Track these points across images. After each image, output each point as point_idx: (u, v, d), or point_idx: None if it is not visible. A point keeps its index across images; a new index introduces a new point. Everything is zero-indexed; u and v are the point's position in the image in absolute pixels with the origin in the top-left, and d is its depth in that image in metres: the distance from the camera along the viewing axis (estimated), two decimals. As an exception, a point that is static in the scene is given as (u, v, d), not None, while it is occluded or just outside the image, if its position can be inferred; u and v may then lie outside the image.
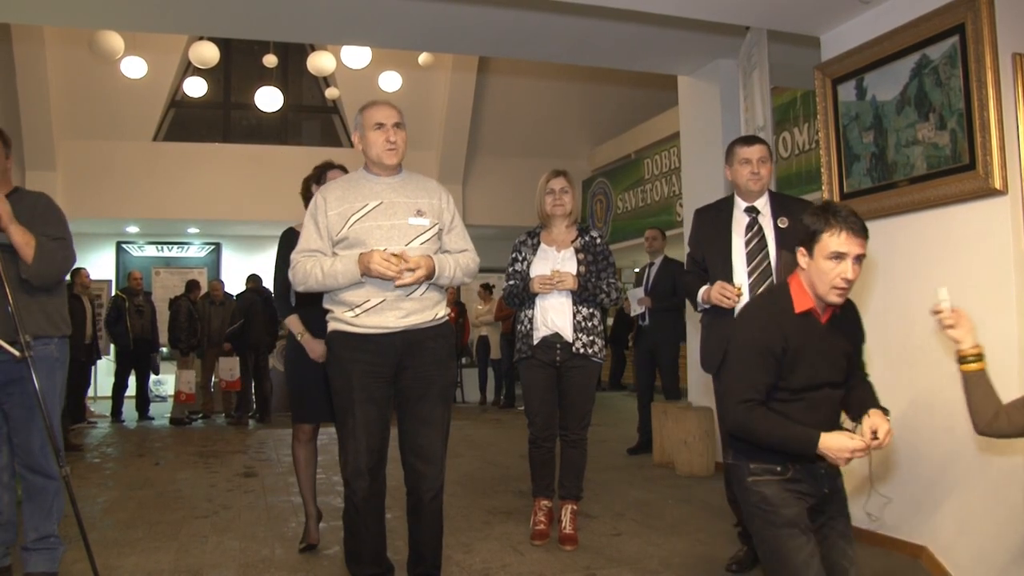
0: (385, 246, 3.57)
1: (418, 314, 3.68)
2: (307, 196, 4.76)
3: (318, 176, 4.74)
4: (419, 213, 3.72)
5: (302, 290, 3.74)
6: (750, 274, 4.18)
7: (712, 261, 4.36)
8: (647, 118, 14.64)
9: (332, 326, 3.75)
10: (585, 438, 5.01)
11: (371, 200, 3.69)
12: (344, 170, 4.68)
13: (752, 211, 4.28)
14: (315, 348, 4.45)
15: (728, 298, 4.15)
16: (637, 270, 8.86)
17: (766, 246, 4.18)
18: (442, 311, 3.80)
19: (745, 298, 4.15)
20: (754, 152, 4.26)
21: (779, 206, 4.27)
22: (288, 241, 4.61)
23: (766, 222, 4.23)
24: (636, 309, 8.29)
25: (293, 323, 4.58)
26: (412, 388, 3.72)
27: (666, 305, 8.17)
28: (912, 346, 4.53)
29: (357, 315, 3.63)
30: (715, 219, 4.41)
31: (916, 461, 4.52)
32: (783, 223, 4.18)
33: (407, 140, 3.84)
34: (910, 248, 4.58)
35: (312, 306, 4.35)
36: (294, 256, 3.74)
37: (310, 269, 3.64)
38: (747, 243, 4.23)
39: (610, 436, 9.47)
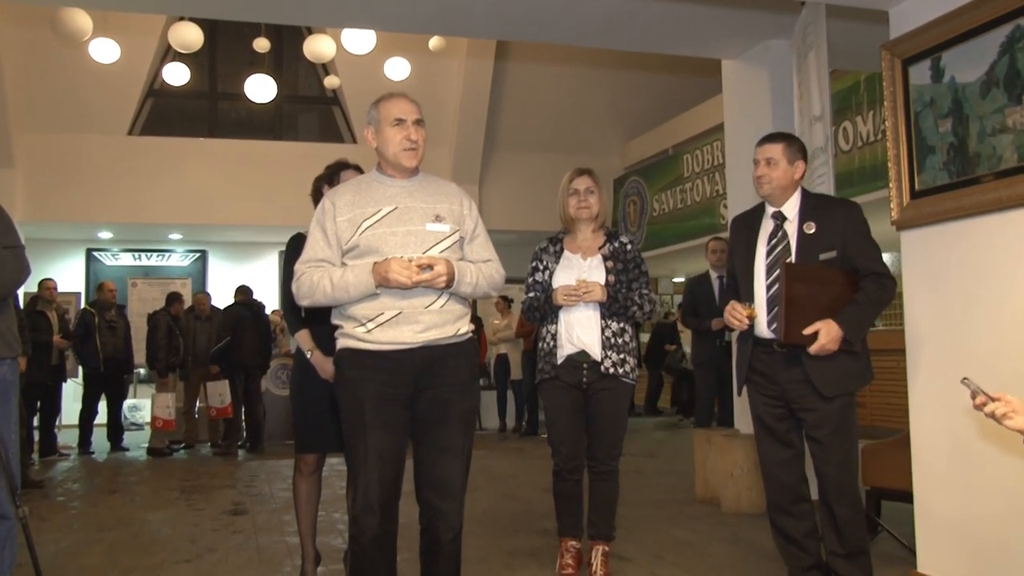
0: (400, 254, 3.55)
1: (438, 328, 3.64)
2: (318, 199, 4.74)
3: (330, 176, 4.75)
4: (437, 219, 3.70)
5: (307, 304, 3.74)
6: (769, 287, 4.21)
7: (740, 274, 4.42)
8: (686, 108, 14.63)
9: (342, 343, 3.72)
10: (616, 469, 4.97)
11: (385, 205, 3.68)
12: (360, 171, 4.68)
13: (778, 217, 4.31)
14: (326, 367, 4.43)
15: (738, 320, 4.21)
16: (679, 279, 8.85)
17: (789, 256, 4.19)
18: (465, 326, 3.77)
19: (762, 320, 4.19)
20: (761, 152, 4.33)
21: (810, 209, 4.27)
22: (297, 247, 4.57)
23: (792, 228, 4.25)
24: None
25: (303, 338, 4.59)
26: (430, 412, 3.68)
27: None
28: (1004, 370, 4.36)
29: (370, 330, 3.60)
30: (746, 228, 4.47)
31: (999, 499, 4.42)
32: (809, 228, 4.19)
33: (426, 139, 3.83)
34: (997, 254, 4.46)
35: (323, 323, 4.33)
36: (298, 267, 3.73)
37: (317, 281, 3.63)
38: (768, 253, 4.27)
39: (646, 467, 9.41)
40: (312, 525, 4.84)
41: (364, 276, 3.53)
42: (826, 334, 3.98)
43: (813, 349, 4.01)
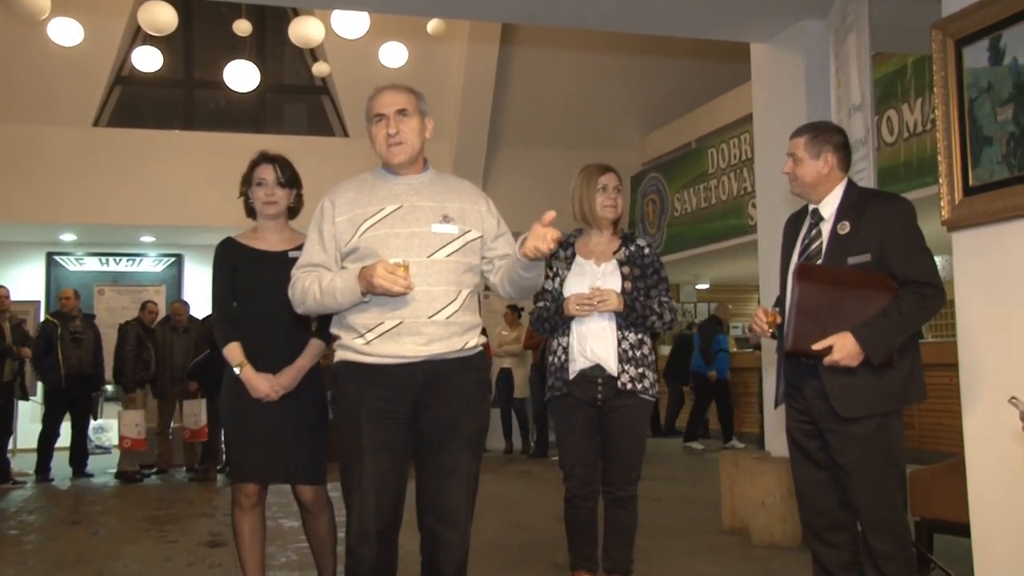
0: (403, 258, 3.55)
1: (443, 341, 3.66)
2: (245, 201, 4.75)
3: (247, 174, 4.70)
4: (445, 219, 3.73)
5: (302, 312, 3.83)
6: None
7: (781, 279, 4.42)
8: (711, 98, 14.65)
9: (339, 355, 3.76)
10: (635, 495, 4.95)
11: (388, 203, 3.72)
12: (279, 164, 4.65)
13: (814, 215, 4.30)
14: (258, 385, 4.40)
15: (759, 327, 4.24)
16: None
17: (819, 260, 4.18)
18: (474, 339, 3.79)
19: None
20: (788, 147, 4.34)
21: (849, 206, 4.21)
22: (223, 252, 4.64)
23: (826, 229, 4.22)
24: None
25: (232, 352, 4.50)
26: (433, 432, 3.70)
27: None
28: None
29: (369, 341, 3.63)
30: (792, 228, 4.47)
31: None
32: (843, 228, 4.14)
33: (429, 128, 3.89)
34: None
35: (306, 329, 4.38)
36: (294, 272, 3.79)
37: (308, 286, 3.68)
38: (800, 255, 4.27)
39: (667, 494, 9.40)
40: (260, 567, 4.73)
41: (351, 281, 3.55)
42: (840, 349, 3.91)
43: (826, 362, 3.96)
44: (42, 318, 13.41)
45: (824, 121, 4.70)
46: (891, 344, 3.97)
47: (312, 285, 3.64)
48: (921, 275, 4.01)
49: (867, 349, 3.90)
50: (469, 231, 3.76)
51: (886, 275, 4.02)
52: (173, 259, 16.42)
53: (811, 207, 4.30)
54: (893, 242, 4.03)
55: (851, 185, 4.27)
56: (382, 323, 3.60)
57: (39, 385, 12.08)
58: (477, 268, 3.84)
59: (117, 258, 16.23)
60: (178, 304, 12.51)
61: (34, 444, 11.77)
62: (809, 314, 3.96)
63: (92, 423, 12.50)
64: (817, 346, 3.93)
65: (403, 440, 3.67)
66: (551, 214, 3.52)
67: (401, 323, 3.59)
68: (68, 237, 15.49)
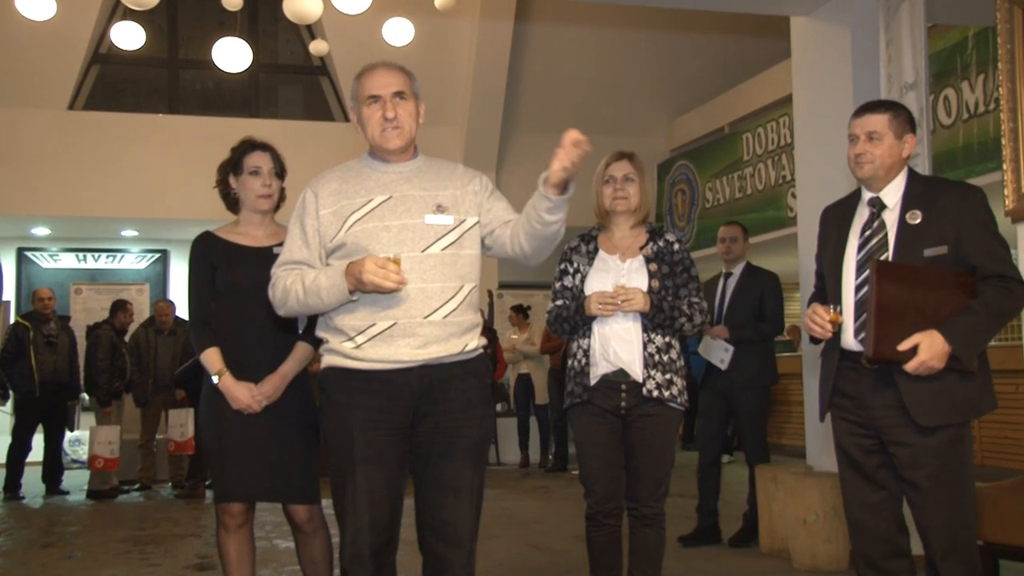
0: (394, 252, 3.54)
1: (440, 344, 3.65)
2: (224, 191, 4.74)
3: (235, 163, 4.68)
4: (439, 209, 3.73)
5: (283, 314, 3.84)
6: (858, 289, 4.12)
7: (827, 274, 4.37)
8: (746, 78, 14.66)
9: (327, 360, 3.75)
10: (662, 513, 4.90)
11: (377, 194, 3.72)
12: (274, 153, 4.67)
13: (875, 204, 4.22)
14: (238, 395, 4.38)
15: (819, 326, 4.12)
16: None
17: (886, 252, 4.11)
18: (474, 341, 3.78)
19: (849, 328, 4.10)
20: (860, 125, 4.22)
21: (916, 195, 4.16)
22: (201, 248, 4.63)
23: (892, 218, 4.16)
24: (725, 359, 7.90)
25: (210, 359, 4.52)
26: (432, 444, 3.70)
27: (748, 335, 7.80)
28: None
29: (359, 345, 3.63)
30: (838, 218, 4.41)
31: None
32: (913, 218, 4.09)
33: (421, 112, 3.86)
34: None
35: (291, 332, 4.38)
36: (274, 271, 3.80)
37: (290, 286, 3.67)
38: (860, 247, 4.19)
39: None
40: None
41: (337, 279, 3.54)
42: (927, 348, 3.82)
43: (911, 367, 3.86)
44: (12, 320, 13.37)
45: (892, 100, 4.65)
46: (981, 343, 3.94)
47: (294, 284, 3.63)
48: (1005, 269, 3.98)
49: (957, 349, 3.84)
50: (465, 220, 3.75)
51: (963, 272, 3.97)
52: (157, 255, 16.46)
53: (867, 196, 4.23)
54: (973, 233, 3.99)
55: (912, 172, 4.22)
56: (373, 324, 3.59)
57: (9, 393, 12.00)
58: (477, 260, 3.82)
59: (96, 254, 16.27)
60: (163, 304, 12.30)
61: (2, 458, 11.74)
62: (891, 315, 3.88)
63: (68, 435, 12.46)
64: (903, 346, 3.85)
65: (398, 453, 3.67)
66: (574, 132, 3.41)
67: (394, 324, 3.58)
68: (41, 231, 15.55)
